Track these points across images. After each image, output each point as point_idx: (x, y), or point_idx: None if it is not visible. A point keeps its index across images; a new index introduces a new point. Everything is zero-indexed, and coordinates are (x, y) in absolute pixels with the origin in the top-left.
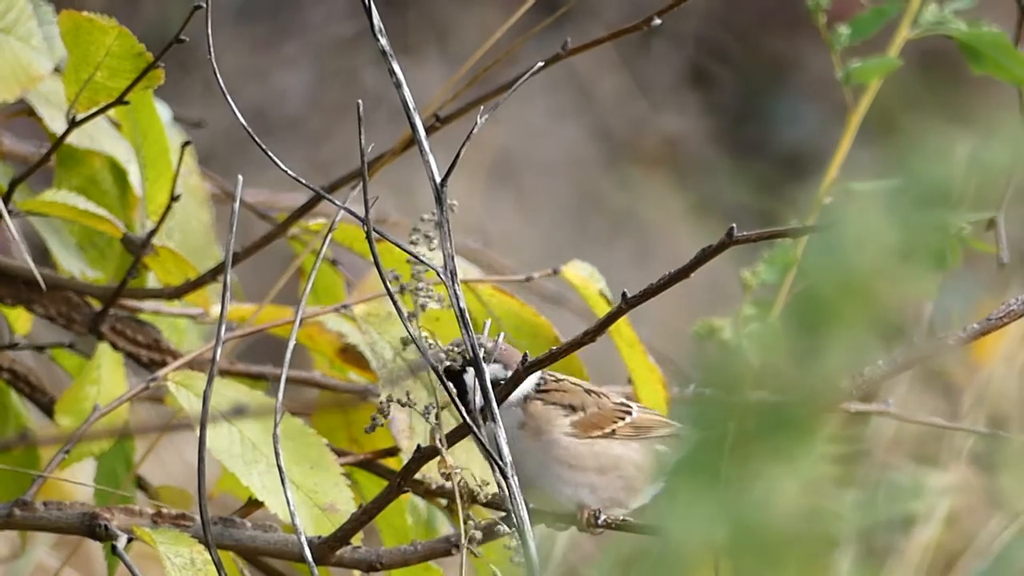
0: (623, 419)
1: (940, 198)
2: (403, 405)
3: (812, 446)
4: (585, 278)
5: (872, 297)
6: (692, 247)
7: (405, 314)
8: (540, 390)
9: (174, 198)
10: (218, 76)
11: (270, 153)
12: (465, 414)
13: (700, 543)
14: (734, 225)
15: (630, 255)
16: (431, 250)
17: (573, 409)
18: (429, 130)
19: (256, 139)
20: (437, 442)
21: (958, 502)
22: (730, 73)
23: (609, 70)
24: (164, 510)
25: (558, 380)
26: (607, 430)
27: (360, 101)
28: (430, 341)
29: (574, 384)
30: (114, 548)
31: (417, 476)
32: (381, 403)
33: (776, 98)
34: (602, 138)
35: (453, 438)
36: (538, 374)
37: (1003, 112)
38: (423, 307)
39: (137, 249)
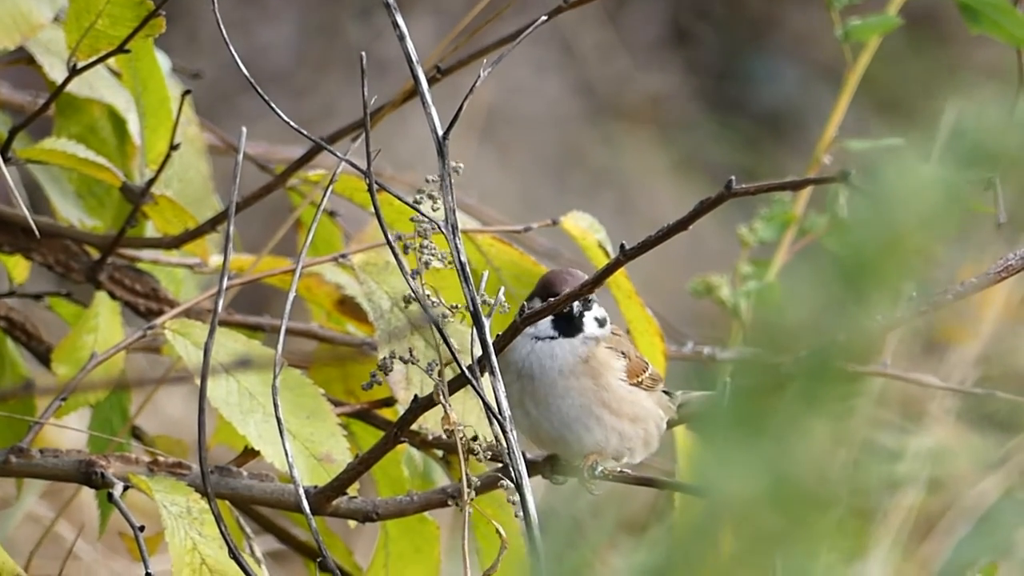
0: (646, 370)
1: (986, 158)
2: (405, 362)
3: (850, 401)
4: (584, 229)
5: (916, 253)
6: (673, 203)
7: (408, 270)
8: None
9: (173, 147)
10: (221, 27)
11: (273, 105)
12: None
13: (740, 498)
14: (732, 178)
15: (611, 211)
16: (435, 209)
17: (624, 356)
18: (430, 82)
19: (259, 90)
20: (440, 397)
21: (943, 464)
22: (712, 31)
23: (592, 26)
24: (160, 458)
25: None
26: (639, 379)
27: (364, 53)
28: (432, 298)
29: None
30: (110, 496)
31: (414, 427)
32: (383, 359)
33: (758, 56)
34: (585, 94)
35: (452, 389)
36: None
37: (993, 74)
38: (427, 264)
39: (136, 198)
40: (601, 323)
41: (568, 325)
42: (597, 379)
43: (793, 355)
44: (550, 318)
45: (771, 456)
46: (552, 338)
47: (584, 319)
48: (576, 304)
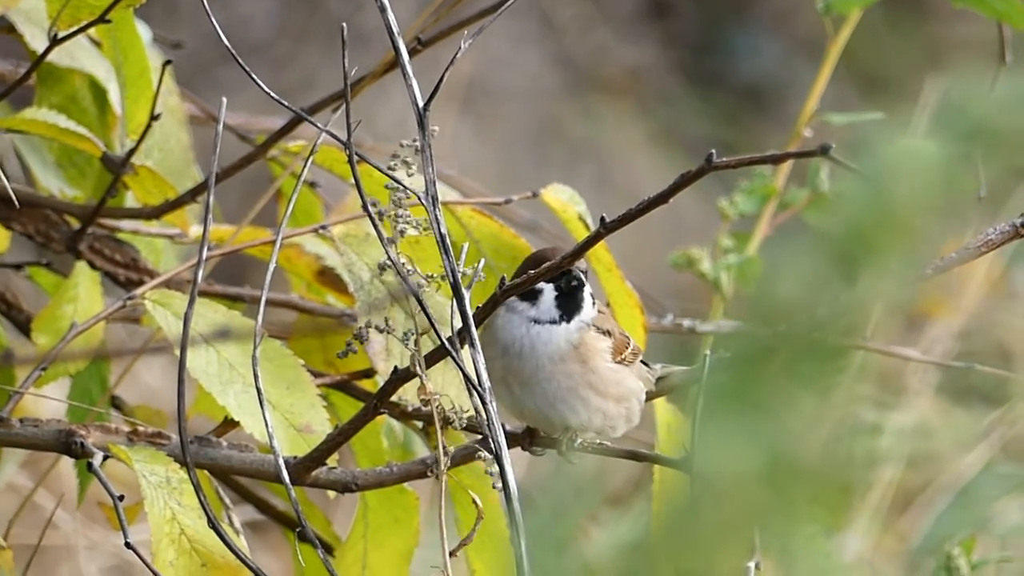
0: (628, 346)
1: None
2: (381, 331)
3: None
4: (564, 201)
5: (910, 229)
6: (652, 177)
7: (385, 238)
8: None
9: (154, 117)
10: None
11: (253, 76)
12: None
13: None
14: (713, 151)
15: (591, 183)
16: (409, 176)
17: (609, 334)
18: (411, 53)
19: (239, 60)
20: (417, 367)
21: (923, 438)
22: (692, 3)
23: None
24: (140, 428)
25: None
26: (622, 357)
27: (344, 24)
28: (408, 267)
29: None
30: (89, 465)
31: (393, 398)
32: (359, 329)
33: (738, 30)
34: (564, 67)
35: (432, 361)
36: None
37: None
38: (402, 233)
39: (116, 168)
40: (592, 303)
41: (571, 303)
42: (585, 363)
43: (780, 329)
44: (553, 299)
45: (757, 429)
46: (553, 322)
47: (583, 297)
48: (581, 280)
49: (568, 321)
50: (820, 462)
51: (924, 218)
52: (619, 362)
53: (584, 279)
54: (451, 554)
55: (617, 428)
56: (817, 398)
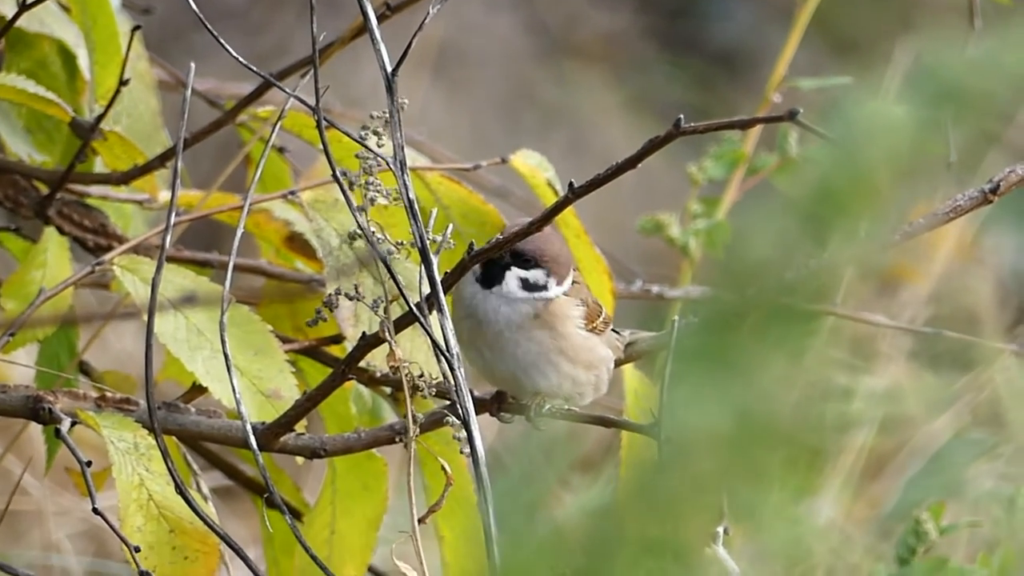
0: (600, 315)
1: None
2: (351, 299)
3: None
4: (533, 167)
5: (879, 192)
6: (626, 142)
7: (355, 206)
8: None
9: (123, 82)
10: None
11: (222, 40)
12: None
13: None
14: (681, 116)
15: (563, 149)
16: (380, 145)
17: (583, 303)
18: (380, 19)
19: (208, 25)
20: (386, 334)
21: (894, 403)
22: None
23: None
24: (108, 394)
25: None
26: (593, 325)
27: None
28: (378, 235)
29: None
30: (57, 432)
31: (361, 364)
32: (329, 296)
33: None
34: (537, 32)
35: (400, 327)
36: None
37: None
38: (372, 200)
39: (85, 133)
40: (559, 283)
41: (530, 286)
42: (553, 329)
43: (748, 293)
44: (518, 280)
45: (725, 393)
46: (510, 294)
47: (541, 281)
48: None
49: (530, 292)
50: (788, 425)
51: (892, 181)
52: (591, 330)
53: (543, 264)
54: (420, 521)
55: (585, 395)
56: (785, 362)
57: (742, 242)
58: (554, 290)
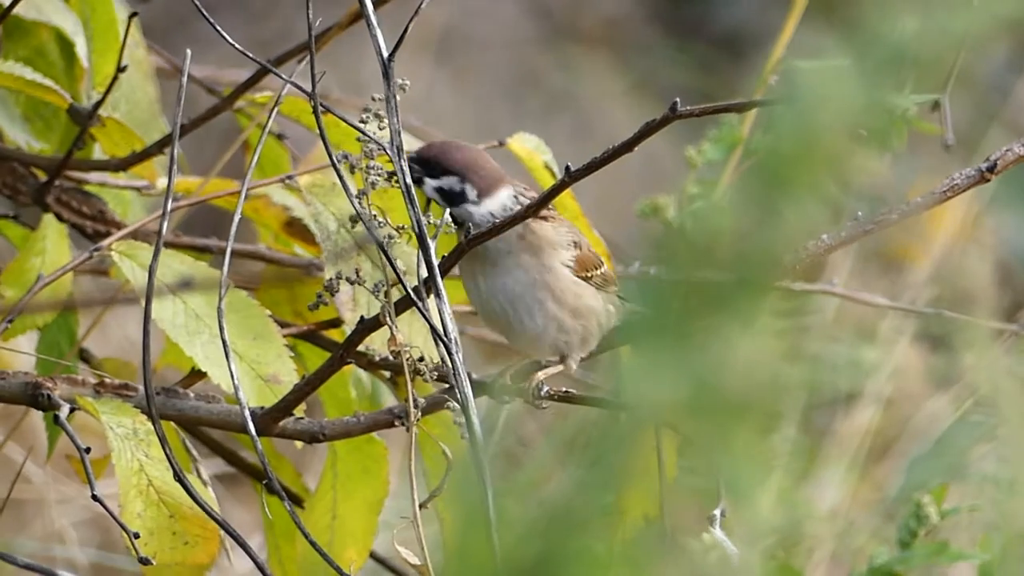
0: (599, 268)
1: (891, 73)
2: (351, 283)
3: (761, 314)
4: (531, 150)
5: (827, 163)
6: (630, 126)
7: (353, 191)
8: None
9: (120, 69)
10: None
11: (218, 28)
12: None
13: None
14: (678, 100)
15: (567, 134)
16: (380, 129)
17: (576, 246)
18: (379, 3)
19: (204, 13)
20: (387, 318)
21: (898, 383)
22: None
23: None
24: (107, 380)
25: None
26: (588, 274)
27: None
28: (379, 219)
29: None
30: (56, 418)
31: (360, 348)
32: (329, 280)
33: None
34: (541, 16)
35: (398, 311)
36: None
37: None
38: (373, 185)
39: (83, 120)
40: (481, 195)
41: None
42: (539, 256)
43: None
44: (434, 191)
45: (694, 366)
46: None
47: (456, 188)
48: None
49: (452, 204)
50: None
51: (843, 142)
52: (585, 278)
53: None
54: (422, 506)
55: (572, 346)
56: (739, 328)
57: (700, 213)
58: (485, 204)
